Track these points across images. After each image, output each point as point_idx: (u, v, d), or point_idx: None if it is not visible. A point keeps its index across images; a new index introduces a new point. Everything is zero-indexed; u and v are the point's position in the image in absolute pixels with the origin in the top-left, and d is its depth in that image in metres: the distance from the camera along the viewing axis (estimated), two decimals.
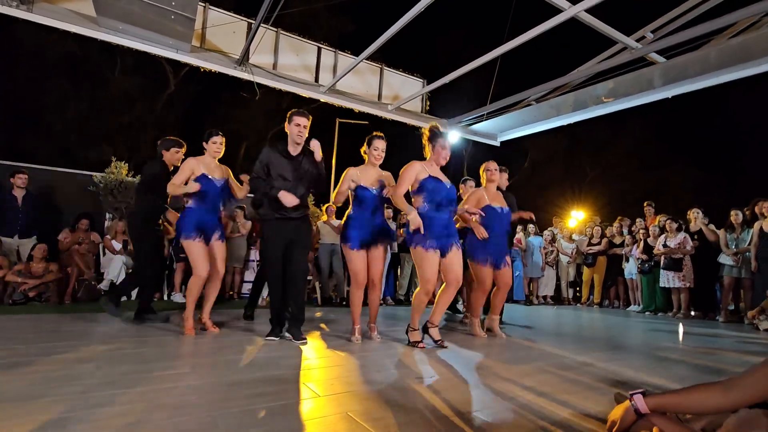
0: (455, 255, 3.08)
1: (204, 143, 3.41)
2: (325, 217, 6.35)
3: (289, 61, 5.72)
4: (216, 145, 3.38)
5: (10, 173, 5.43)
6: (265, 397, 1.85)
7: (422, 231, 2.96)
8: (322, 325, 4.06)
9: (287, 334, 3.13)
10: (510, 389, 2.10)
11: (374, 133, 3.31)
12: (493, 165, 3.85)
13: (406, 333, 3.20)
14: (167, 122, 15.92)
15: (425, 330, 3.18)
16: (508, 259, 3.78)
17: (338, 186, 3.30)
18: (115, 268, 5.38)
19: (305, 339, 3.08)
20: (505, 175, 4.48)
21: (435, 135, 3.16)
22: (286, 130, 3.19)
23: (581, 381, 2.32)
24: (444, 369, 2.49)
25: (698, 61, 4.56)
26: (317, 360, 2.63)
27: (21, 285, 4.57)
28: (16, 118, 14.03)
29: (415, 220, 2.96)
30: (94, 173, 6.83)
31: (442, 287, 3.14)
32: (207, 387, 1.94)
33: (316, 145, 3.14)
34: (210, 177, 3.30)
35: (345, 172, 3.29)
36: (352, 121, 13.55)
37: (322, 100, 6.00)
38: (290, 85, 5.65)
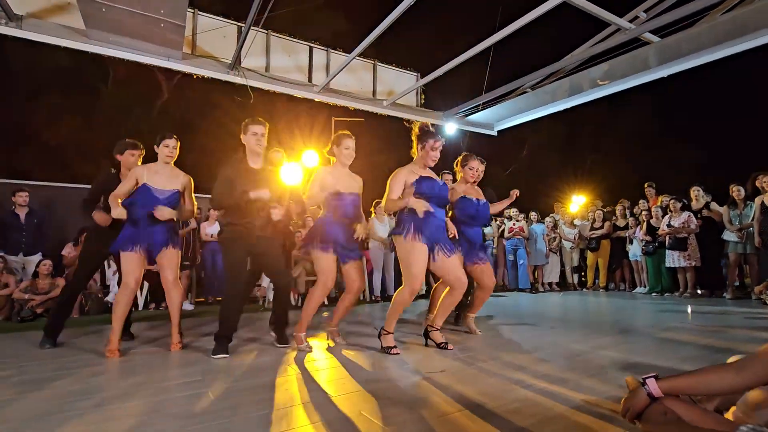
0: (453, 257, 2.88)
1: (155, 147, 3.05)
2: None
3: (281, 63, 5.69)
4: (168, 149, 3.02)
5: (11, 192, 5.45)
6: (277, 401, 1.85)
7: (430, 209, 2.79)
8: None
9: (275, 339, 3.12)
10: (520, 379, 2.11)
11: (341, 132, 3.14)
12: (476, 163, 3.53)
13: (378, 337, 2.88)
14: (162, 131, 15.82)
15: (426, 334, 2.97)
16: (485, 258, 3.49)
17: (310, 189, 3.03)
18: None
19: (288, 343, 3.04)
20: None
21: (426, 134, 2.95)
22: (243, 141, 3.01)
23: (591, 367, 2.33)
24: (452, 363, 2.50)
25: (693, 39, 4.52)
26: (326, 360, 2.64)
27: (28, 302, 4.59)
28: (11, 136, 14.03)
29: (417, 203, 2.75)
30: None
31: (446, 290, 2.95)
32: (218, 394, 1.95)
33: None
34: (151, 187, 2.93)
35: (315, 173, 3.06)
36: (348, 119, 13.51)
37: (316, 100, 5.98)
38: (284, 86, 5.63)
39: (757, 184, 5.44)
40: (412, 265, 2.75)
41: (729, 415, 1.16)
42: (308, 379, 2.20)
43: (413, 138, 3.02)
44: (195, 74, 5.19)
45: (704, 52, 4.63)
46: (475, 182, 3.62)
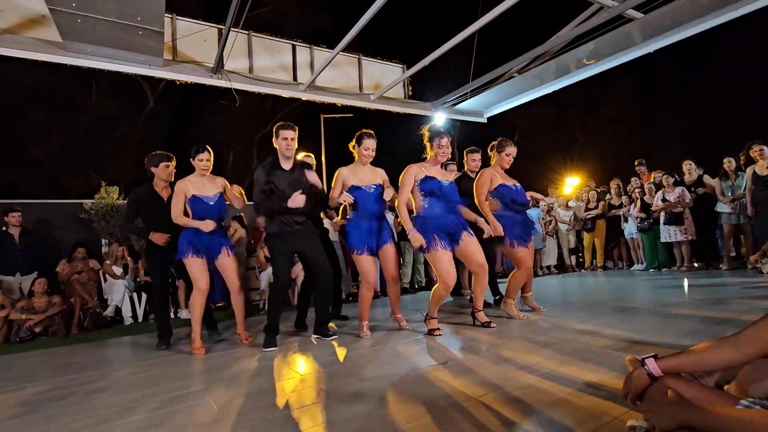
0: (470, 242, 3.08)
1: (191, 160, 3.30)
2: None
3: (264, 63, 5.62)
4: (203, 162, 3.28)
5: (3, 212, 5.39)
6: (283, 404, 1.85)
7: (424, 246, 3.01)
8: (331, 324, 4.06)
9: (314, 335, 3.32)
10: (523, 365, 2.11)
11: (364, 131, 3.29)
12: (513, 150, 3.65)
13: (425, 321, 3.23)
14: (151, 140, 15.71)
15: (473, 315, 3.31)
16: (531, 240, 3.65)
17: (332, 190, 3.28)
18: (119, 293, 5.36)
19: (336, 335, 3.30)
20: (477, 156, 4.36)
21: (433, 134, 3.19)
22: (274, 145, 3.21)
23: (593, 348, 2.33)
24: (455, 353, 2.50)
25: (676, 12, 4.50)
26: (331, 359, 2.63)
27: (26, 321, 4.55)
28: None
29: (415, 238, 3.00)
30: (84, 200, 6.77)
31: (473, 277, 3.23)
32: (225, 402, 1.94)
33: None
34: (200, 196, 3.23)
35: (336, 173, 3.29)
36: (337, 116, 13.43)
37: (303, 98, 5.92)
38: (269, 87, 5.56)
39: (751, 153, 5.44)
40: (438, 268, 3.04)
41: (729, 389, 1.16)
42: (310, 381, 2.19)
43: (425, 142, 3.25)
44: (178, 80, 5.12)
45: (688, 25, 4.61)
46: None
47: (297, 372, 2.38)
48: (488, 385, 1.85)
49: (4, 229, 5.32)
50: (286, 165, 3.20)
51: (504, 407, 1.59)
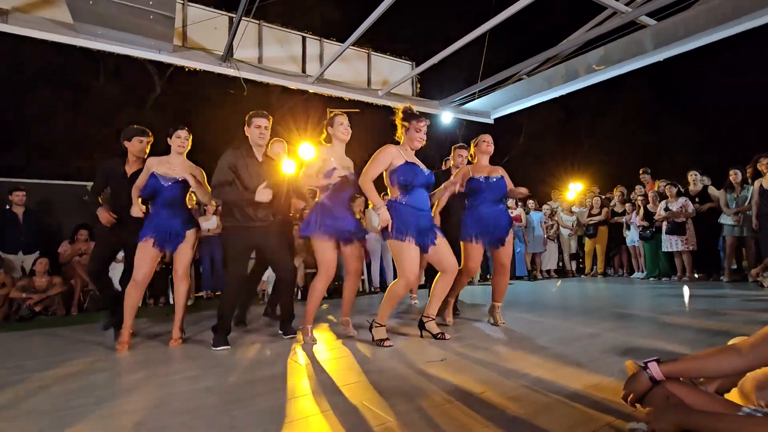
0: (442, 243, 2.83)
1: (168, 139, 3.10)
2: None
3: (274, 54, 5.61)
4: (180, 140, 3.07)
5: (7, 190, 5.41)
6: (280, 392, 1.86)
7: (390, 228, 2.72)
8: (330, 317, 4.08)
9: (280, 331, 3.19)
10: (520, 366, 2.11)
11: (332, 113, 3.15)
12: (487, 137, 3.43)
13: (370, 330, 2.83)
14: (156, 125, 15.67)
15: (421, 325, 2.93)
16: (510, 234, 3.34)
17: (308, 167, 3.05)
18: (119, 276, 5.37)
19: (296, 334, 3.11)
20: (465, 153, 4.01)
21: (409, 116, 2.90)
22: (246, 133, 3.07)
23: (591, 352, 2.33)
24: (452, 352, 2.50)
25: (689, 21, 4.47)
26: (326, 352, 2.64)
27: (26, 300, 4.57)
28: (2, 134, 13.86)
29: (384, 216, 2.70)
30: (88, 183, 6.78)
31: (438, 276, 2.88)
32: (220, 388, 1.95)
33: None
34: (158, 176, 2.97)
35: (318, 151, 3.09)
36: (344, 110, 13.39)
37: (310, 91, 5.91)
38: (277, 78, 5.55)
39: (759, 167, 5.41)
40: (404, 260, 2.72)
41: (730, 396, 1.16)
42: (309, 371, 2.20)
43: (398, 122, 2.95)
44: (187, 67, 5.12)
45: (701, 34, 4.58)
46: (488, 155, 3.44)
47: (294, 363, 2.39)
48: (486, 383, 1.86)
49: (8, 207, 5.34)
50: (258, 155, 3.07)
51: (501, 406, 1.60)
